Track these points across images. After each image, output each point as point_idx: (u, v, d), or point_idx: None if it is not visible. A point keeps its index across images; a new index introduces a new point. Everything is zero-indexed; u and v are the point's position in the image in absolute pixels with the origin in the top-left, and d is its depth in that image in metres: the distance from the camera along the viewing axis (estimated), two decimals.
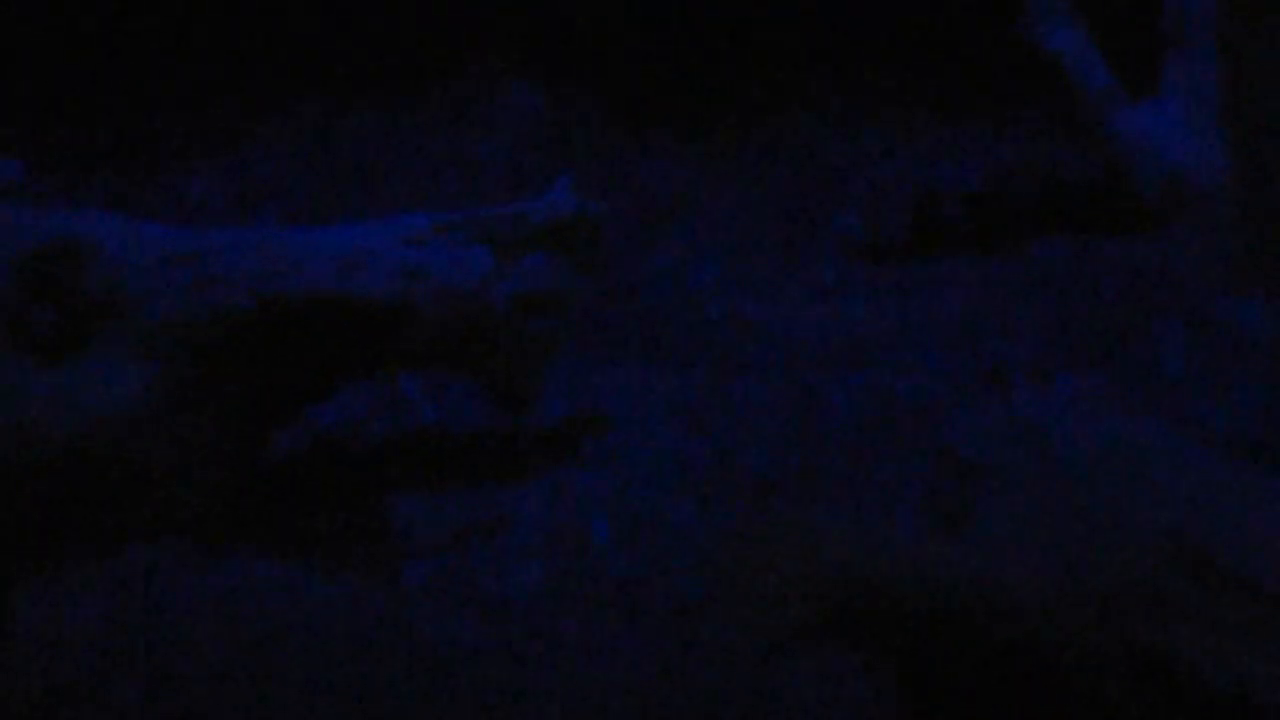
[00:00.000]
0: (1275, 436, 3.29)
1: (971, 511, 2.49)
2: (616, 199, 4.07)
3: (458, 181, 4.26)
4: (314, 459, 3.34)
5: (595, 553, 3.14)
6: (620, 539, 3.17)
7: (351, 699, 2.70)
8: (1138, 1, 4.27)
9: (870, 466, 3.28)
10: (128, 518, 3.02)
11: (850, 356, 3.82)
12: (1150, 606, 2.27)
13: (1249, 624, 2.23)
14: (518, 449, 3.42)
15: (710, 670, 2.68)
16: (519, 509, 3.26)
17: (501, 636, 2.91)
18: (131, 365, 3.06)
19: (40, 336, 3.08)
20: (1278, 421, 3.38)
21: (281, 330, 3.15)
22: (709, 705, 2.62)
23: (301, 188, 4.23)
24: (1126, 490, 2.46)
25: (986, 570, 2.35)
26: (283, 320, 3.14)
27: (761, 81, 4.82)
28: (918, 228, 4.32)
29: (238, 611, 2.83)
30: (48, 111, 4.44)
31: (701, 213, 4.32)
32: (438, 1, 4.69)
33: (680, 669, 2.73)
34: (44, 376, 3.06)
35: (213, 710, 2.63)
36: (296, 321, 3.15)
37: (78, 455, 3.03)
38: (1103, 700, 2.26)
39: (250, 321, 3.12)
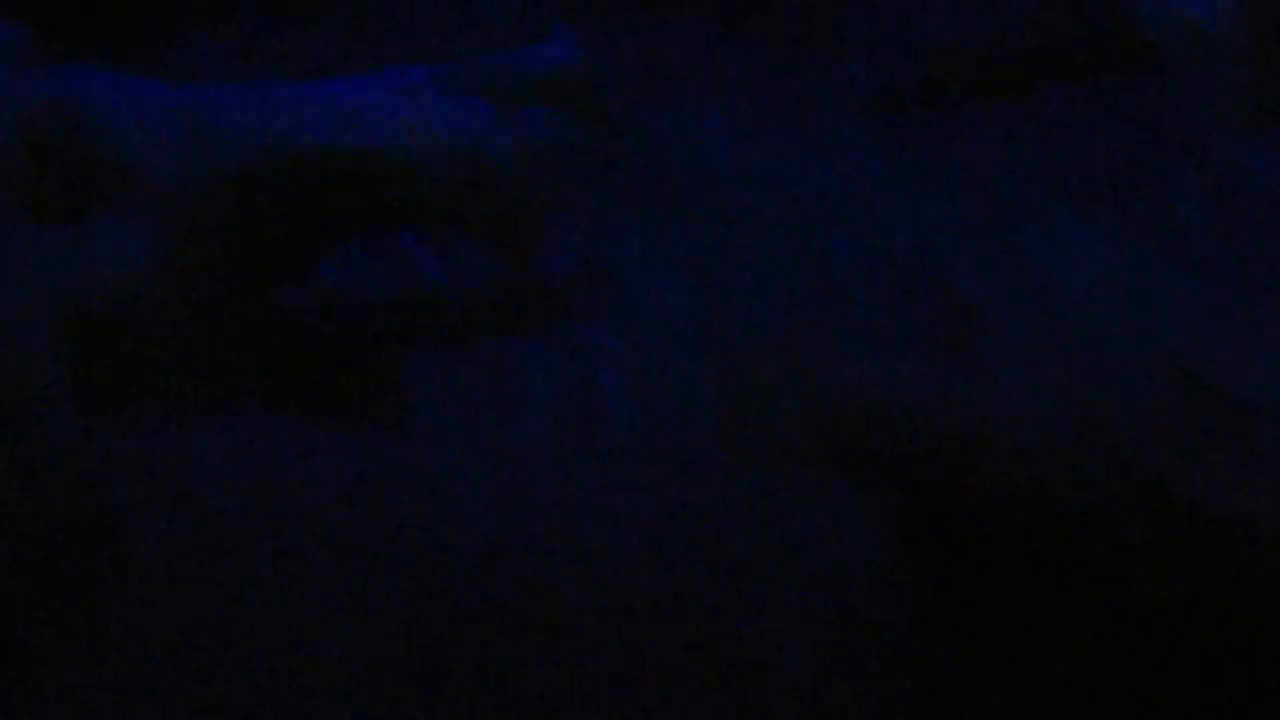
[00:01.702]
0: None
1: (971, 348, 2.48)
2: (617, 54, 4.04)
3: (460, 35, 4.22)
4: (320, 316, 3.35)
5: (603, 405, 3.16)
6: (629, 391, 3.19)
7: (359, 545, 2.74)
8: None
9: (877, 313, 3.28)
10: (139, 374, 3.04)
11: (857, 207, 3.80)
12: (1159, 444, 2.28)
13: (1259, 455, 2.23)
14: (524, 304, 3.43)
15: (717, 509, 2.71)
16: (526, 363, 3.27)
17: (510, 486, 2.94)
18: (137, 224, 3.07)
19: (45, 197, 3.09)
20: None
21: (285, 187, 3.15)
22: (715, 542, 2.65)
23: (302, 48, 4.21)
24: (1133, 328, 2.46)
25: (986, 402, 2.35)
26: (286, 177, 3.14)
27: None
28: (927, 80, 4.28)
29: (249, 462, 2.85)
30: None
31: (708, 70, 4.28)
32: None
33: (684, 511, 2.76)
34: (50, 238, 3.06)
35: (225, 554, 2.67)
36: (299, 178, 3.14)
37: (89, 315, 3.05)
38: (1111, 536, 2.27)
39: (254, 179, 3.12)
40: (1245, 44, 3.89)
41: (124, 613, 2.59)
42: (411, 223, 3.35)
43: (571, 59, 3.33)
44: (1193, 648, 2.30)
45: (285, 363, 3.24)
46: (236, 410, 3.08)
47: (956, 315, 2.81)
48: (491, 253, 3.40)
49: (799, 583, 2.57)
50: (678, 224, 3.71)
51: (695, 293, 3.49)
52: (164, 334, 3.10)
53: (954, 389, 2.38)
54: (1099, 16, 4.44)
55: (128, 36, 4.20)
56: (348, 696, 2.50)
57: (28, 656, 2.50)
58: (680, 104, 4.13)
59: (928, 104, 4.14)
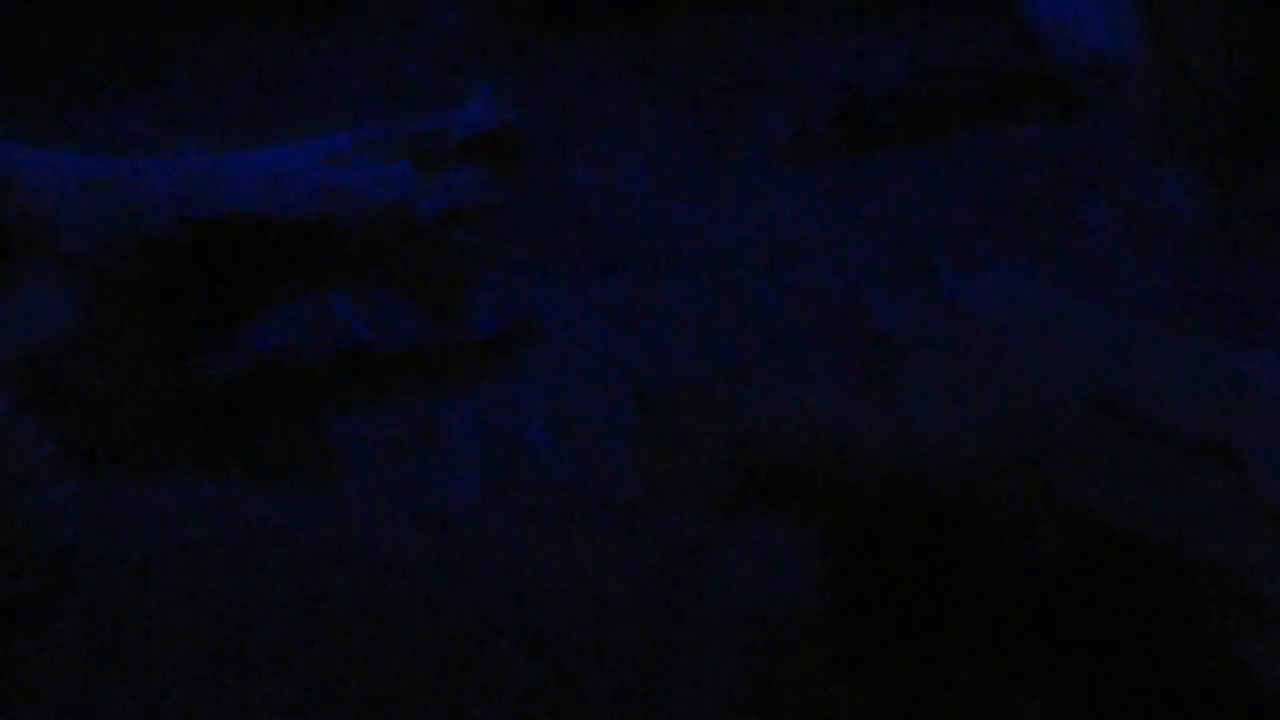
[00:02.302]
0: (1194, 305, 3.34)
1: (891, 383, 2.52)
2: (538, 107, 4.08)
3: (380, 99, 4.25)
4: (246, 380, 3.35)
5: (532, 458, 3.17)
6: (556, 443, 3.20)
7: (291, 608, 2.73)
8: None
9: (800, 356, 3.32)
10: (62, 444, 3.03)
11: (780, 256, 3.84)
12: (1069, 463, 2.32)
13: (1158, 471, 2.28)
14: (451, 362, 3.44)
15: (647, 556, 2.72)
16: (455, 420, 3.28)
17: (441, 544, 2.95)
18: (57, 293, 3.07)
19: None
20: (1196, 292, 3.43)
21: (206, 253, 3.16)
22: (646, 590, 2.66)
23: (225, 113, 4.22)
24: (1045, 355, 2.50)
25: (907, 434, 2.39)
26: (207, 243, 3.15)
27: None
28: (844, 125, 4.33)
29: (175, 529, 2.85)
30: None
31: (626, 117, 4.32)
32: None
33: (617, 559, 2.77)
34: None
35: (150, 624, 2.66)
36: (221, 244, 3.16)
37: (8, 383, 3.04)
38: (1027, 556, 2.31)
39: (175, 245, 3.13)
40: (1150, 77, 3.96)
41: (49, 674, 2.58)
42: (338, 284, 3.36)
43: (494, 121, 3.37)
44: (1115, 665, 2.33)
45: (212, 426, 3.24)
46: (160, 477, 3.08)
47: (879, 352, 2.85)
48: (418, 311, 3.42)
49: (729, 625, 2.59)
50: (603, 275, 3.74)
51: (621, 342, 3.52)
52: (85, 400, 3.09)
53: (876, 422, 2.41)
54: (1012, 56, 4.52)
55: (49, 104, 4.21)
56: None
57: None
58: (601, 154, 4.17)
59: (851, 152, 4.20)
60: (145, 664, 2.63)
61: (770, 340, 3.46)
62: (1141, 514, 2.24)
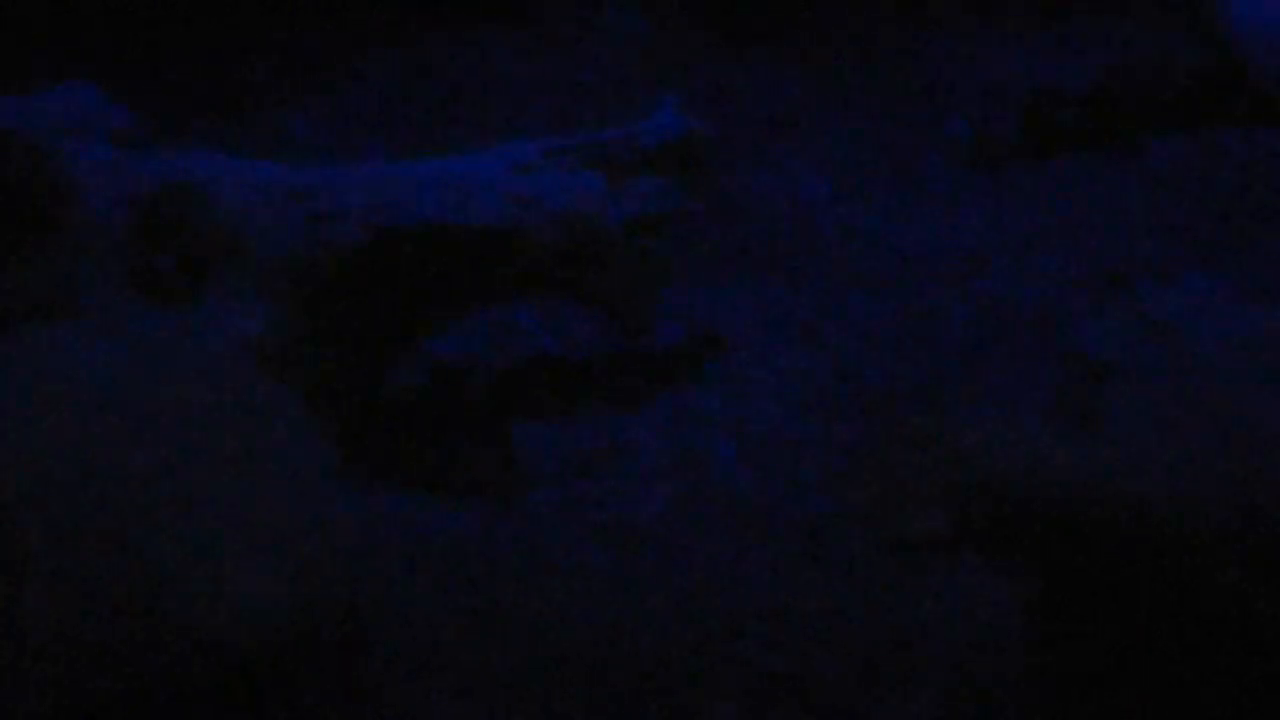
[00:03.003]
0: None
1: (1102, 413, 2.43)
2: (722, 117, 4.02)
3: (561, 107, 4.22)
4: (432, 391, 3.34)
5: (720, 474, 3.12)
6: (744, 459, 3.15)
7: (475, 619, 2.71)
8: None
9: (995, 375, 3.23)
10: None
11: (968, 266, 3.76)
12: None
13: None
14: (636, 373, 3.40)
15: (842, 584, 2.66)
16: (641, 433, 3.24)
17: (629, 561, 2.91)
18: (250, 304, 3.07)
19: (161, 279, 3.10)
20: None
21: (394, 263, 3.15)
22: (841, 619, 2.60)
23: (403, 121, 4.22)
24: (1268, 392, 2.40)
25: (1123, 473, 2.30)
26: (395, 253, 3.13)
27: None
28: (1030, 131, 4.23)
29: (359, 536, 2.84)
30: (146, 59, 4.46)
31: (808, 126, 4.26)
32: None
33: (810, 584, 2.71)
34: (167, 318, 3.07)
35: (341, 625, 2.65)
36: (409, 254, 3.14)
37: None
38: (1252, 612, 2.21)
39: (363, 255, 3.12)
40: None
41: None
42: (524, 294, 3.34)
43: (682, 130, 3.33)
44: None
45: (397, 436, 3.24)
46: (349, 489, 3.08)
47: (1084, 377, 2.76)
48: (603, 323, 3.38)
49: (930, 665, 2.52)
50: (786, 285, 3.68)
51: (806, 355, 3.46)
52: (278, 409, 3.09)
53: (1093, 460, 2.33)
54: (1202, 59, 4.38)
55: (230, 113, 4.23)
56: None
57: None
58: (783, 163, 4.10)
59: (1038, 158, 4.10)
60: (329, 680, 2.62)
61: (961, 356, 3.38)
62: None
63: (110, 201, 3.08)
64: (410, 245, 3.14)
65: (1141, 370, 2.55)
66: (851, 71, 4.46)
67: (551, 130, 3.59)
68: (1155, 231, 3.78)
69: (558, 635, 2.73)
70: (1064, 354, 3.14)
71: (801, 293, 3.65)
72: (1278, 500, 2.26)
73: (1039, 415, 2.70)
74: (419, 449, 3.21)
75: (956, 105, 4.38)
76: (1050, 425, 2.57)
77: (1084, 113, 4.30)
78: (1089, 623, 2.33)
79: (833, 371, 3.38)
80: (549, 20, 4.61)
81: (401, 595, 2.73)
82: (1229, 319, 2.66)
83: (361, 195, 3.16)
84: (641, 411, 3.29)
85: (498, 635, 2.72)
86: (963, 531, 2.34)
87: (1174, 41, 4.58)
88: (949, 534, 2.33)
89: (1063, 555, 2.34)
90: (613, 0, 4.62)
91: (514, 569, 2.88)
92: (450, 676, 2.62)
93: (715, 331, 3.51)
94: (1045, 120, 4.28)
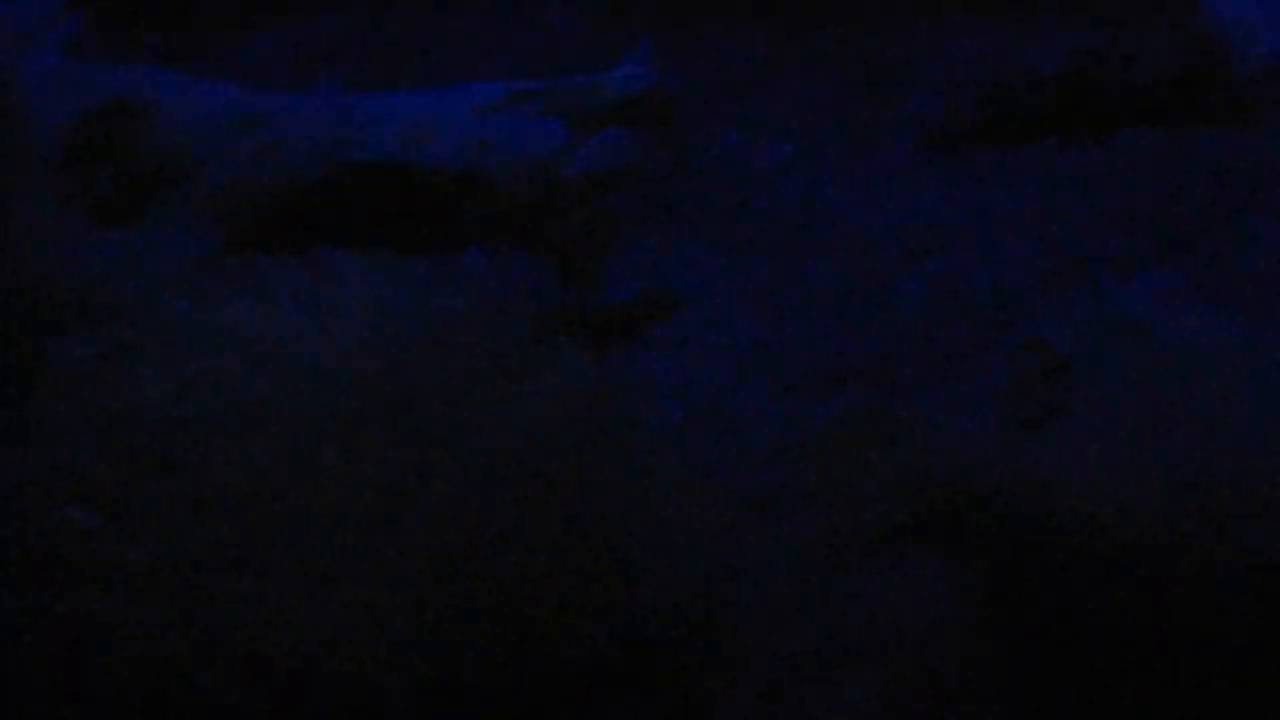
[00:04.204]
0: None
1: (1065, 409, 2.38)
2: (691, 74, 3.94)
3: (527, 50, 4.12)
4: None
5: (664, 439, 3.05)
6: (691, 425, 3.08)
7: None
8: None
9: (951, 357, 3.17)
10: None
11: (926, 243, 3.70)
12: (1273, 517, 2.17)
13: None
14: (585, 327, 3.32)
15: (785, 570, 2.59)
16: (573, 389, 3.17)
17: None
18: (192, 231, 2.97)
19: (100, 198, 2.99)
20: None
21: (346, 199, 3.05)
22: (782, 608, 2.54)
23: (364, 54, 4.11)
24: (1239, 388, 2.35)
25: (1086, 473, 2.25)
26: (348, 189, 3.04)
27: None
28: (995, 113, 4.16)
29: None
30: None
31: (775, 91, 4.18)
32: None
33: (752, 568, 2.65)
34: (103, 239, 2.97)
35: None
36: (363, 191, 3.05)
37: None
38: (1215, 620, 2.16)
39: (314, 189, 3.02)
40: None
41: None
42: (476, 238, 3.25)
43: (649, 80, 3.24)
44: None
45: None
46: None
47: (1041, 368, 2.70)
48: (556, 273, 3.30)
49: (870, 644, 2.47)
50: (743, 251, 3.60)
51: (761, 322, 3.39)
52: None
53: (1051, 461, 2.27)
54: (1177, 52, 4.33)
55: (189, 28, 4.10)
56: None
57: None
58: (748, 123, 4.03)
59: (1002, 141, 4.04)
60: None
61: (918, 336, 3.32)
62: None
63: (55, 115, 2.96)
64: (365, 182, 3.04)
65: (1112, 373, 2.50)
66: (822, 42, 4.39)
67: (515, 74, 3.49)
68: (1120, 223, 3.73)
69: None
70: (1021, 342, 3.09)
71: (759, 258, 3.58)
72: (1231, 503, 2.22)
73: (997, 407, 2.65)
74: None
75: (924, 82, 4.31)
76: (1008, 418, 2.52)
77: (1051, 98, 4.24)
78: (1036, 615, 2.29)
79: (787, 340, 3.31)
80: None
81: None
82: (1191, 317, 2.61)
83: (317, 127, 3.06)
84: (577, 369, 3.21)
85: None
86: (913, 526, 2.28)
87: (1150, 33, 4.53)
88: (898, 527, 2.28)
89: (1013, 551, 2.29)
90: None
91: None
92: None
93: (669, 291, 3.44)
94: (1010, 101, 4.22)
